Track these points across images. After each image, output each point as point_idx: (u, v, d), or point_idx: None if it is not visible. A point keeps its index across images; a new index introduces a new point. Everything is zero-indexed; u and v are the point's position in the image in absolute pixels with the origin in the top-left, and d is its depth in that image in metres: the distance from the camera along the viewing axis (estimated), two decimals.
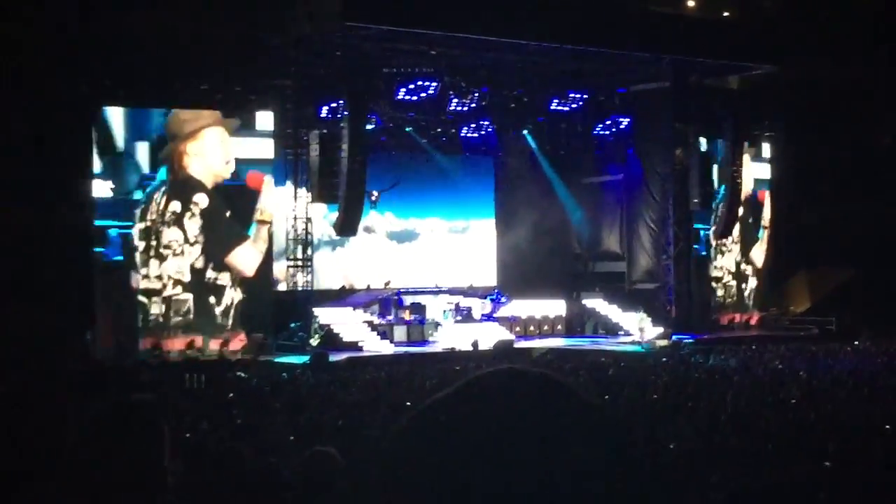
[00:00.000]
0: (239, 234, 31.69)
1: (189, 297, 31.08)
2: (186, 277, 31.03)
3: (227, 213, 31.70)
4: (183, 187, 31.21)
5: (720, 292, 41.77)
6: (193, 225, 31.07)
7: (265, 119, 33.06)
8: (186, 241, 31.01)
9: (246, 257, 31.74)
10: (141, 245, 30.63)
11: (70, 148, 30.25)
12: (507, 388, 1.91)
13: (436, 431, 1.87)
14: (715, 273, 41.61)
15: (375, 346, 33.83)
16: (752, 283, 42.67)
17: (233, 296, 31.82)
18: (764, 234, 42.88)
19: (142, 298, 30.65)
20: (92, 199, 30.59)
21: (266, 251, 32.32)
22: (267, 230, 32.15)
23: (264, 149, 33.05)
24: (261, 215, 32.01)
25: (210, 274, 31.37)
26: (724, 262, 41.96)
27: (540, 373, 1.95)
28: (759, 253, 42.83)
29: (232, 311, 31.76)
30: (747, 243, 42.47)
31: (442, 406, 1.90)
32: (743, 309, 42.27)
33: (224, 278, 31.60)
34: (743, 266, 42.49)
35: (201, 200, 31.15)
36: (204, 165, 31.64)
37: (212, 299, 31.37)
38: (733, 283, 42.20)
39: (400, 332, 35.57)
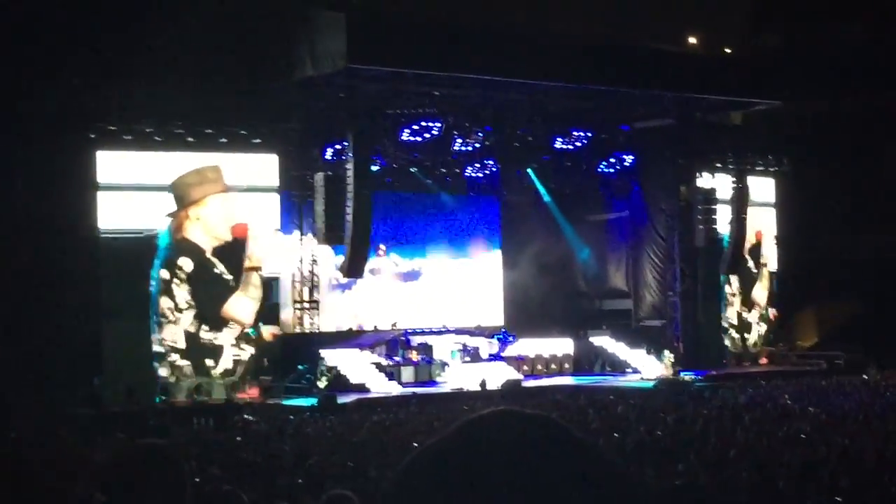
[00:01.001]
0: (228, 287, 31.39)
1: (187, 363, 31.00)
2: (181, 344, 30.95)
3: (216, 270, 31.40)
4: (176, 252, 31.06)
5: (727, 342, 41.66)
6: (182, 291, 30.94)
7: (269, 163, 33.09)
8: (177, 308, 30.90)
9: (240, 307, 31.42)
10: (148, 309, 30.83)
11: (74, 191, 30.35)
12: (503, 429, 1.91)
13: (433, 475, 1.87)
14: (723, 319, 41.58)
15: (383, 387, 33.72)
16: (756, 330, 42.42)
17: (236, 353, 31.60)
18: (764, 272, 42.75)
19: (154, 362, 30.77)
20: (97, 243, 30.62)
21: (262, 296, 32.06)
22: (258, 276, 31.75)
23: (268, 196, 33.12)
24: (249, 262, 31.61)
25: (205, 336, 31.16)
26: (728, 314, 41.82)
27: (535, 414, 1.95)
28: (760, 292, 42.70)
29: (240, 370, 31.59)
30: (747, 285, 42.28)
31: (438, 449, 1.91)
32: (749, 357, 42.06)
33: (222, 338, 31.39)
34: (745, 315, 42.29)
35: (185, 265, 30.94)
36: (205, 230, 31.46)
37: (209, 362, 31.16)
38: (737, 335, 42.04)
39: (407, 373, 35.46)
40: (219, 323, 31.24)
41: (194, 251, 31.19)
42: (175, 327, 30.91)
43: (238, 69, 31.15)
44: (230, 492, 5.67)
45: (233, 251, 31.78)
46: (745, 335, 42.18)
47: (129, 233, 30.96)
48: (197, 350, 31.03)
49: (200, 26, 30.17)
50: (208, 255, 31.45)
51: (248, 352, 31.81)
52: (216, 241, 31.55)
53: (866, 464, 14.20)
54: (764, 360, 41.85)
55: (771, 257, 42.84)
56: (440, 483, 1.85)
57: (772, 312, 42.51)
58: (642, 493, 1.93)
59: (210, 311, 31.15)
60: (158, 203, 31.09)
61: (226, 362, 31.44)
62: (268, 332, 32.24)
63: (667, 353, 36.96)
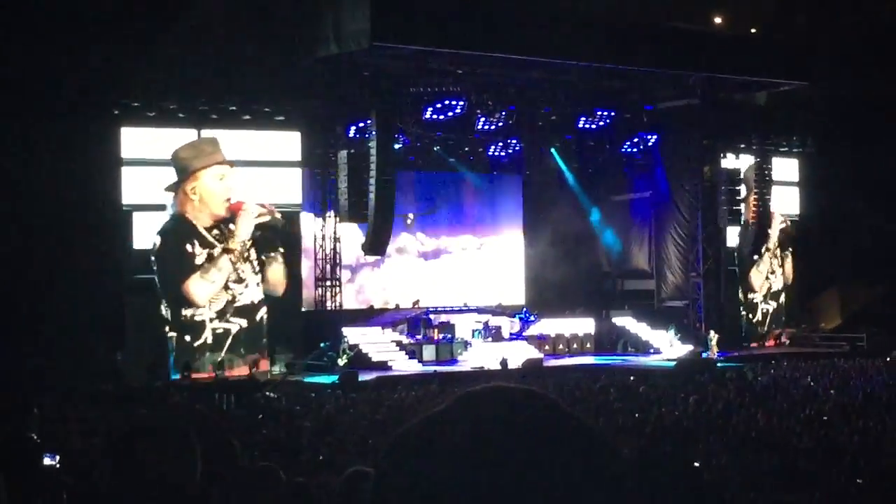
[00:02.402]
0: (192, 266, 31.23)
1: (174, 335, 31.14)
2: (169, 318, 31.15)
3: (188, 248, 31.23)
4: (165, 227, 31.24)
5: (750, 314, 41.66)
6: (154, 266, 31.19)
7: (292, 140, 33.25)
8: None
9: (195, 288, 31.24)
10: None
11: (99, 168, 30.48)
12: (495, 404, 1.95)
13: (424, 448, 1.91)
14: (745, 294, 41.56)
15: (404, 365, 33.81)
16: (781, 300, 42.51)
17: (219, 327, 31.62)
18: (789, 252, 42.68)
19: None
20: (123, 221, 30.86)
21: (234, 279, 31.79)
22: (228, 259, 31.49)
23: (291, 172, 33.27)
24: (226, 243, 31.49)
25: (185, 312, 31.22)
26: (753, 283, 41.85)
27: (527, 389, 1.99)
28: (785, 270, 42.65)
29: (228, 343, 31.62)
30: (773, 262, 42.29)
31: (430, 423, 1.94)
32: (772, 327, 42.08)
33: (202, 313, 31.41)
34: (772, 285, 42.33)
35: (155, 241, 31.02)
36: (201, 205, 31.34)
37: (187, 337, 31.22)
38: (763, 304, 42.07)
39: (429, 352, 35.52)
40: (182, 301, 31.14)
41: (183, 226, 31.16)
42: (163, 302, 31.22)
43: (262, 47, 31.17)
44: (267, 467, 5.69)
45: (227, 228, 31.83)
46: (771, 304, 42.20)
47: (153, 208, 31.16)
48: (179, 325, 31.14)
49: (225, 4, 30.20)
50: (200, 230, 31.37)
51: (235, 324, 31.81)
52: (211, 218, 31.46)
53: (888, 446, 14.17)
54: (786, 336, 41.82)
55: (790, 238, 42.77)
56: (430, 456, 1.89)
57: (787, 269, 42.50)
58: (628, 467, 1.96)
59: (171, 288, 31.10)
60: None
61: (207, 337, 31.49)
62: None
63: (712, 333, 36.84)
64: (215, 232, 31.62)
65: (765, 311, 42.11)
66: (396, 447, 1.94)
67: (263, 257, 32.10)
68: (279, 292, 32.66)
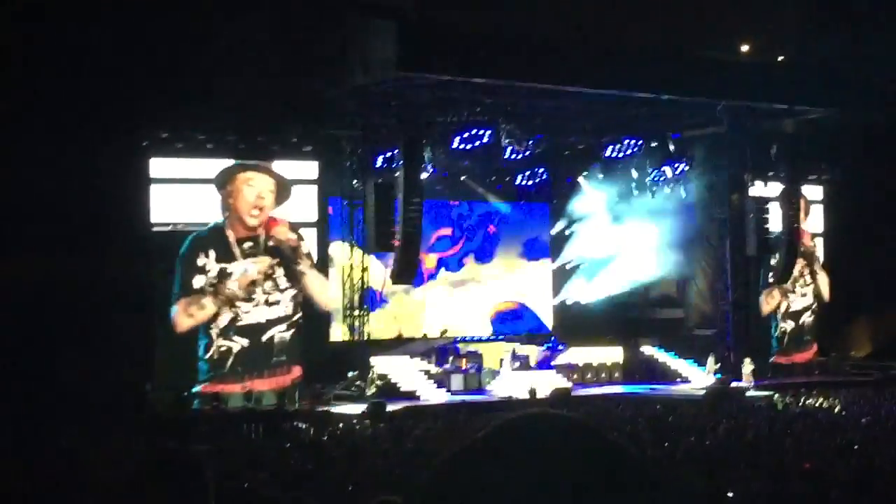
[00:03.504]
0: (186, 287, 31.39)
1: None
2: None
3: (200, 260, 31.48)
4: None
5: (779, 333, 41.47)
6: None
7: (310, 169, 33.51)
8: None
9: (176, 316, 31.30)
10: None
11: (128, 198, 30.65)
12: (536, 431, 1.94)
13: (467, 475, 1.90)
14: (768, 310, 41.30)
15: (432, 395, 33.78)
16: (806, 318, 42.32)
17: (223, 345, 31.78)
18: (819, 274, 42.52)
19: None
20: (150, 248, 31.07)
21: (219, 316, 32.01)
22: (211, 300, 31.59)
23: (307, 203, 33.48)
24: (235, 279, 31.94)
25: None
26: (784, 306, 41.66)
27: (568, 416, 1.97)
28: (807, 294, 42.47)
29: (231, 359, 31.74)
30: (798, 282, 42.09)
31: (472, 450, 1.93)
32: (798, 347, 41.88)
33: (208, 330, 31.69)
34: (794, 305, 42.15)
35: (185, 244, 31.40)
36: (235, 213, 31.83)
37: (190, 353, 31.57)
38: (788, 323, 41.88)
39: (457, 381, 35.46)
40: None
41: (210, 235, 31.64)
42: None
43: (290, 76, 31.31)
44: (296, 498, 5.70)
45: (256, 243, 32.17)
46: (801, 323, 42.05)
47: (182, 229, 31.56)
48: (184, 340, 31.32)
49: (252, 34, 30.36)
50: (231, 240, 31.76)
51: (237, 344, 31.93)
52: (245, 229, 31.93)
53: None
54: (812, 355, 41.66)
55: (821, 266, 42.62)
56: (474, 483, 1.88)
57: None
58: (674, 497, 1.95)
59: (161, 307, 31.39)
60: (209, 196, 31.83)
61: (213, 353, 31.62)
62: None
63: (747, 361, 36.66)
64: (248, 244, 31.92)
65: (783, 329, 41.86)
66: (439, 476, 1.93)
67: (294, 273, 32.43)
68: (325, 303, 33.09)
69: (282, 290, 32.54)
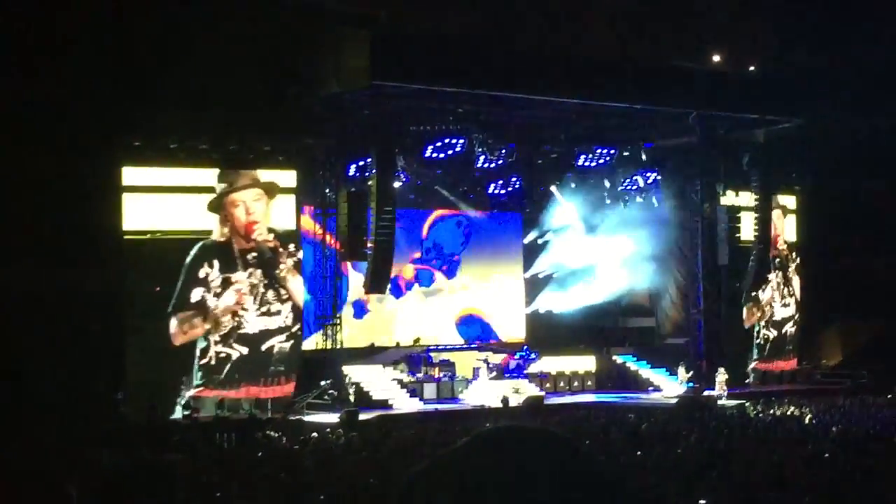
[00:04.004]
0: (183, 302, 31.47)
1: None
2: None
3: (202, 272, 31.61)
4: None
5: (757, 341, 41.63)
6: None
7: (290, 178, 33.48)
8: None
9: (173, 328, 31.43)
10: None
11: (100, 207, 30.53)
12: (510, 443, 1.96)
13: (443, 486, 1.92)
14: (751, 322, 41.48)
15: (405, 403, 33.76)
16: (788, 328, 42.51)
17: (222, 352, 31.84)
18: (795, 281, 42.73)
19: None
20: (122, 256, 31.00)
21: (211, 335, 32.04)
22: (212, 319, 31.95)
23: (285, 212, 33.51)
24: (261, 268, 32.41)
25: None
26: (761, 309, 41.84)
27: (540, 429, 2.00)
28: (789, 304, 42.66)
29: (228, 366, 31.79)
30: (780, 293, 42.32)
31: (448, 461, 1.95)
32: (780, 356, 42.07)
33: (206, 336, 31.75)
34: (778, 314, 42.34)
35: (191, 253, 31.56)
36: (233, 228, 32.11)
37: (196, 352, 31.65)
38: (771, 332, 42.07)
39: (430, 390, 35.47)
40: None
41: (213, 247, 31.87)
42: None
43: (264, 86, 31.28)
44: None
45: (259, 256, 32.43)
46: (778, 333, 42.19)
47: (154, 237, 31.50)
48: (182, 345, 31.33)
49: (227, 44, 30.31)
50: (235, 251, 32.08)
51: (236, 352, 31.96)
52: (241, 241, 32.23)
53: (891, 483, 14.13)
54: (791, 365, 41.84)
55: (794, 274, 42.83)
56: (450, 494, 1.90)
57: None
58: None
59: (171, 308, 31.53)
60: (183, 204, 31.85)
61: (211, 358, 31.66)
62: None
63: (721, 370, 36.75)
64: (251, 255, 32.14)
65: (766, 337, 42.01)
66: (413, 486, 1.95)
67: (279, 276, 32.60)
68: (300, 304, 33.28)
69: (283, 301, 32.71)
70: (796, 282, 42.84)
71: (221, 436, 26.12)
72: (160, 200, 31.59)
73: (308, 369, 33.48)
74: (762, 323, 41.90)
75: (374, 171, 32.41)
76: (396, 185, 33.64)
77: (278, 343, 32.80)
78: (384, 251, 32.66)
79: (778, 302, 42.34)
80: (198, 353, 31.61)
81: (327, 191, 34.65)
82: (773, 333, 42.20)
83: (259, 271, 32.51)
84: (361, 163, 33.83)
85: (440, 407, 33.09)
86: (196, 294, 31.58)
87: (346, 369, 34.37)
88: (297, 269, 33.44)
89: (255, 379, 32.19)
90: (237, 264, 32.19)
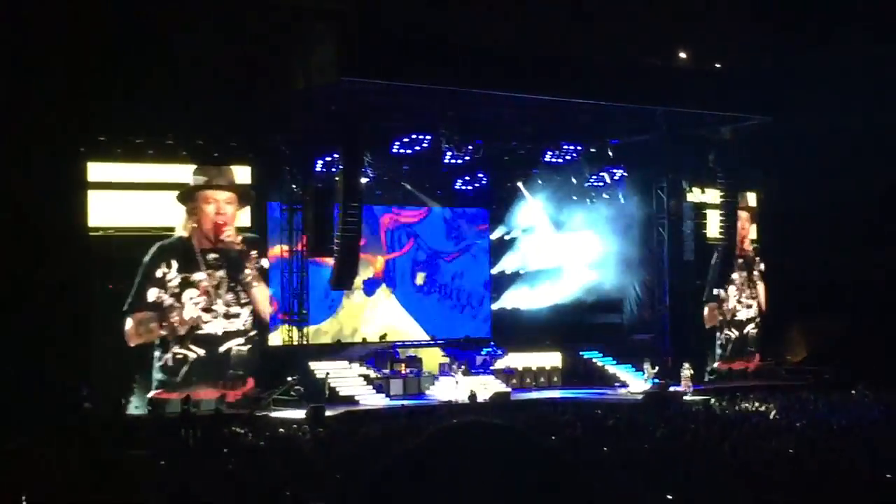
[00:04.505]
0: (140, 301, 31.22)
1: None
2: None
3: (160, 272, 31.39)
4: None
5: (719, 341, 41.75)
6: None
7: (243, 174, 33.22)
8: None
9: (129, 328, 31.18)
10: None
11: (65, 203, 30.37)
12: (472, 438, 1.98)
13: (405, 480, 1.93)
14: (712, 322, 41.61)
15: (372, 399, 33.74)
16: (750, 329, 42.64)
17: (179, 351, 31.61)
18: (759, 284, 42.89)
19: None
20: (88, 253, 30.79)
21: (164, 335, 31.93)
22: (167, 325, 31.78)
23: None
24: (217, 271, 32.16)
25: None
26: (722, 312, 41.95)
27: (502, 424, 2.02)
28: (754, 302, 42.84)
29: (185, 368, 31.58)
30: (743, 293, 42.49)
31: (410, 457, 1.96)
32: (741, 356, 42.22)
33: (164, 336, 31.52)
34: (740, 315, 42.49)
35: (150, 252, 31.33)
36: (199, 226, 31.72)
37: (155, 353, 31.42)
38: (732, 332, 42.20)
39: (396, 386, 35.48)
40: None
41: (174, 246, 31.58)
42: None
43: (231, 81, 31.17)
44: None
45: (222, 257, 32.13)
46: (741, 332, 42.31)
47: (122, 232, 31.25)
48: (142, 344, 31.12)
49: (194, 39, 30.19)
50: (196, 251, 31.70)
51: (193, 353, 31.78)
52: (210, 242, 31.86)
53: (855, 479, 14.21)
54: (753, 365, 41.97)
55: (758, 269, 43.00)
56: (412, 488, 1.91)
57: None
58: (610, 500, 2.02)
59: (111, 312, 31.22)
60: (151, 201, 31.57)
61: (167, 360, 31.42)
62: None
63: (686, 366, 36.91)
64: (212, 256, 31.79)
65: (727, 337, 42.14)
66: (377, 482, 1.95)
67: (242, 281, 32.24)
68: (268, 313, 32.98)
69: (242, 305, 32.43)
70: (761, 285, 42.98)
71: (187, 432, 26.01)
72: (126, 197, 31.41)
73: (273, 366, 33.41)
74: (724, 323, 42.00)
75: (340, 166, 32.36)
76: (363, 180, 33.60)
77: (236, 346, 32.57)
78: (350, 247, 32.60)
79: (741, 302, 42.47)
80: (156, 354, 31.37)
81: (294, 186, 34.60)
82: (734, 334, 42.35)
83: (221, 272, 32.19)
84: (328, 158, 33.78)
85: (407, 403, 33.09)
86: (152, 294, 31.28)
87: (312, 365, 34.34)
88: (262, 276, 33.13)
89: (212, 381, 31.96)
90: (198, 264, 31.87)
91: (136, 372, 31.01)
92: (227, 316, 32.27)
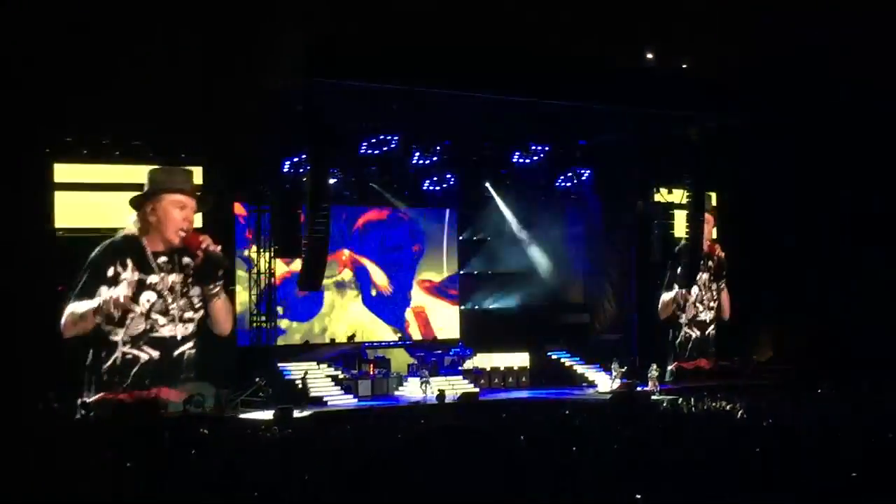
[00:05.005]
0: (87, 291, 30.49)
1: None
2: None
3: (112, 270, 30.86)
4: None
5: (680, 340, 41.78)
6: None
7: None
8: None
9: (65, 317, 30.66)
10: None
11: (31, 204, 30.19)
12: (445, 442, 2.03)
13: (385, 480, 1.98)
14: (666, 314, 41.62)
15: (340, 400, 33.74)
16: (711, 330, 42.70)
17: (129, 351, 31.23)
18: (722, 284, 42.99)
19: None
20: (54, 255, 30.51)
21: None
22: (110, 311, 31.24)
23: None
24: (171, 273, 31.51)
25: (105, 328, 30.79)
26: (687, 313, 42.02)
27: (470, 427, 2.06)
28: (722, 304, 42.97)
29: (136, 368, 31.21)
30: (706, 293, 42.57)
31: (390, 459, 2.01)
32: (703, 355, 42.28)
33: (117, 334, 30.94)
34: (702, 315, 42.57)
35: (96, 251, 30.75)
36: (156, 228, 31.02)
37: (103, 353, 30.86)
38: (694, 331, 42.26)
39: (364, 387, 35.48)
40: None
41: (125, 246, 30.79)
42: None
43: (198, 81, 31.05)
44: None
45: (171, 259, 31.56)
46: (703, 333, 42.36)
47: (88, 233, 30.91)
48: (96, 342, 30.65)
49: (160, 38, 30.08)
50: (148, 253, 31.05)
51: (146, 354, 31.33)
52: (164, 244, 31.06)
53: (821, 478, 14.30)
54: (710, 364, 42.05)
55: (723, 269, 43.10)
56: (385, 489, 1.97)
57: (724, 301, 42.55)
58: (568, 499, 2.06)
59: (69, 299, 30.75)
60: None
61: (116, 358, 30.93)
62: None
63: (654, 366, 37.03)
64: (163, 259, 31.25)
65: (687, 335, 42.15)
66: (353, 484, 1.98)
67: (206, 292, 31.62)
68: (226, 330, 32.07)
69: (195, 310, 31.95)
70: (723, 283, 43.03)
71: (154, 433, 25.88)
72: (93, 198, 31.19)
73: (241, 367, 33.32)
74: (685, 321, 42.02)
75: (308, 167, 32.30)
76: (331, 181, 33.54)
77: (188, 350, 32.15)
78: (319, 248, 32.55)
79: (703, 302, 42.51)
80: (102, 354, 30.82)
81: (261, 188, 34.54)
82: (696, 333, 42.43)
83: (174, 276, 31.51)
84: (296, 159, 33.74)
85: (375, 404, 33.07)
86: (102, 292, 30.64)
87: (280, 365, 34.30)
88: (225, 289, 32.29)
89: (166, 383, 31.52)
90: (152, 267, 31.26)
91: (77, 371, 30.45)
92: (182, 320, 31.75)
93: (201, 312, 31.78)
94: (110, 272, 30.55)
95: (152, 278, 31.17)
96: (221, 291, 31.78)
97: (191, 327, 31.98)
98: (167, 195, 30.87)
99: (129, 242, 30.81)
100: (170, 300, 31.50)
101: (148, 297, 31.24)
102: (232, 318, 32.52)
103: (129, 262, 30.76)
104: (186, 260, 31.33)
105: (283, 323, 37.23)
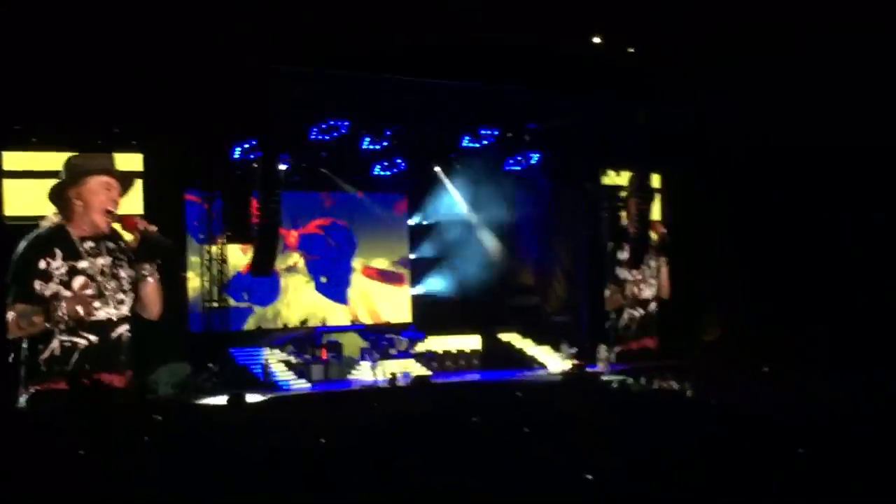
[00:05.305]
0: (24, 293, 30.26)
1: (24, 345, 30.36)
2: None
3: (44, 263, 30.32)
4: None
5: (625, 322, 41.98)
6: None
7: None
8: None
9: (11, 321, 30.07)
10: None
11: None
12: (401, 428, 2.21)
13: (342, 467, 2.15)
14: (614, 305, 41.80)
15: (294, 385, 33.83)
16: (652, 308, 42.89)
17: (67, 339, 30.88)
18: (662, 261, 43.21)
19: None
20: (3, 244, 30.25)
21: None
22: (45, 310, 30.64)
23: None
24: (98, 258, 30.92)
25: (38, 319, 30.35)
26: (630, 292, 42.24)
27: (426, 412, 2.25)
28: (661, 281, 43.21)
29: (75, 356, 30.84)
30: (648, 273, 42.82)
31: (344, 447, 2.18)
32: (647, 334, 42.51)
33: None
34: (644, 293, 42.79)
35: (20, 246, 30.20)
36: (82, 213, 30.48)
37: (40, 346, 30.38)
38: (637, 311, 42.49)
39: (317, 371, 35.57)
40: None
41: (52, 236, 30.15)
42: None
43: (149, 68, 30.93)
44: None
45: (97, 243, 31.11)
46: (644, 312, 42.59)
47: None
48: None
49: (110, 23, 29.94)
50: (74, 239, 30.51)
51: (84, 340, 30.88)
52: (91, 228, 30.40)
53: (770, 459, 14.57)
54: (653, 343, 42.29)
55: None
56: (349, 474, 2.13)
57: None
58: (522, 479, 2.24)
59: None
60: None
61: (54, 349, 30.46)
62: None
63: (603, 347, 37.35)
64: (89, 244, 30.70)
65: (631, 315, 42.36)
66: (320, 465, 2.15)
67: (138, 273, 31.21)
68: (154, 314, 31.58)
69: (125, 291, 31.48)
70: (664, 271, 43.21)
71: (106, 420, 25.86)
72: (43, 186, 30.84)
73: (195, 353, 33.33)
74: (627, 303, 42.21)
75: (258, 153, 32.32)
76: (281, 167, 33.57)
77: (125, 332, 31.74)
78: (270, 235, 32.61)
79: (645, 281, 42.72)
80: (39, 347, 30.26)
81: (211, 174, 34.52)
82: (638, 313, 42.65)
83: (104, 259, 30.96)
84: (246, 145, 33.73)
85: (329, 388, 33.20)
86: (36, 286, 30.07)
87: (232, 351, 34.34)
88: (158, 271, 31.80)
89: (106, 368, 31.18)
90: (80, 252, 30.74)
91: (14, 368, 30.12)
92: (117, 302, 31.31)
93: (132, 294, 31.39)
94: (42, 265, 29.88)
95: (81, 264, 30.65)
96: (154, 274, 31.24)
97: (124, 309, 31.50)
98: (91, 178, 30.11)
99: (55, 232, 30.05)
100: (102, 282, 31.01)
101: (80, 281, 30.74)
102: (160, 302, 31.89)
103: (58, 252, 30.09)
104: (111, 245, 30.63)
105: (256, 308, 37.28)
